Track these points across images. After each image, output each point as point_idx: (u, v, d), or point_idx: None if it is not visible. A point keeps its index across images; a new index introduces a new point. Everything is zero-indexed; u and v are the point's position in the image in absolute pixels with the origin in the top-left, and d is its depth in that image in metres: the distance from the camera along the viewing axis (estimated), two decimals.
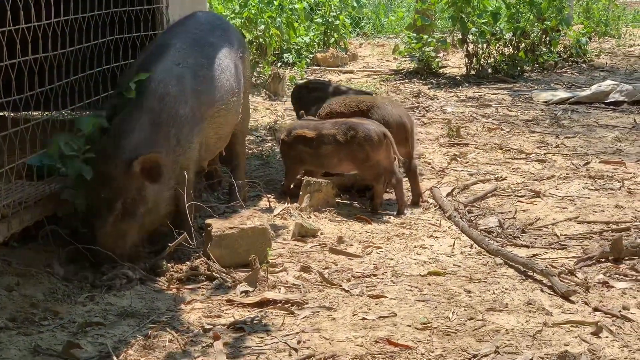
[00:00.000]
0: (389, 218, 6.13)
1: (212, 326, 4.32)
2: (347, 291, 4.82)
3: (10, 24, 4.71)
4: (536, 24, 11.94)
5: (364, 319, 4.43)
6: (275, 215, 6.01)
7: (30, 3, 4.89)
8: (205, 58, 5.67)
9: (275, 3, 11.99)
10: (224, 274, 4.95)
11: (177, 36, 5.73)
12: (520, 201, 6.52)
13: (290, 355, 4.03)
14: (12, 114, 4.97)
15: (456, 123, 8.89)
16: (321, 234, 5.72)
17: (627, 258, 5.27)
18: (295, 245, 5.53)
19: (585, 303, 4.63)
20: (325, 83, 7.72)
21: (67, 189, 5.09)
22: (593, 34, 13.85)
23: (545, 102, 9.98)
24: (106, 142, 5.06)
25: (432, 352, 4.06)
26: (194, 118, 5.39)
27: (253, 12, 11.46)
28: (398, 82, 11.37)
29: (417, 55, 11.97)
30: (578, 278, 4.98)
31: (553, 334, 4.25)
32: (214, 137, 5.70)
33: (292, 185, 6.50)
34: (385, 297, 4.73)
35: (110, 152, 4.97)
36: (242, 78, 6.03)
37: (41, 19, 5.04)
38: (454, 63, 12.62)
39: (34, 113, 5.60)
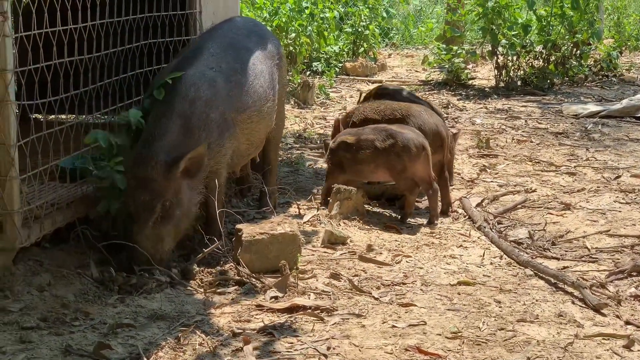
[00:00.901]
0: (419, 227, 6.11)
1: (241, 330, 4.32)
2: (376, 299, 4.81)
3: (47, 26, 4.75)
4: (567, 37, 11.89)
5: (393, 326, 4.42)
6: (305, 222, 6.01)
7: (67, 6, 4.92)
8: (239, 63, 5.68)
9: (306, 12, 12.03)
10: (253, 279, 4.95)
11: (212, 40, 5.75)
12: (551, 213, 6.49)
13: None
14: (46, 117, 5.00)
15: (485, 134, 8.87)
16: (351, 241, 5.71)
17: None
18: (325, 252, 5.53)
19: (617, 316, 4.60)
20: (395, 89, 7.63)
21: (102, 202, 5.12)
22: (624, 48, 13.78)
23: (575, 115, 9.94)
24: (141, 146, 5.08)
25: None
26: (225, 123, 5.40)
27: (284, 20, 11.50)
28: (427, 92, 11.36)
29: (447, 66, 11.96)
30: (609, 291, 4.95)
31: (584, 346, 4.22)
32: (245, 143, 5.71)
33: (329, 193, 6.35)
34: (415, 305, 4.72)
35: (148, 157, 4.99)
36: (277, 85, 6.04)
37: (77, 22, 5.07)
38: (483, 75, 12.60)
39: (68, 116, 5.63)
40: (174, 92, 5.24)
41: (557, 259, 5.58)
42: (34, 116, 4.92)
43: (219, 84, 5.44)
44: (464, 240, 5.89)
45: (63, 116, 6.17)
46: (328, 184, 6.43)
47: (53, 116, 5.37)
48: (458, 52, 11.79)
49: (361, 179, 6.43)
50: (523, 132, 9.15)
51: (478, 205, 6.59)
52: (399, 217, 6.28)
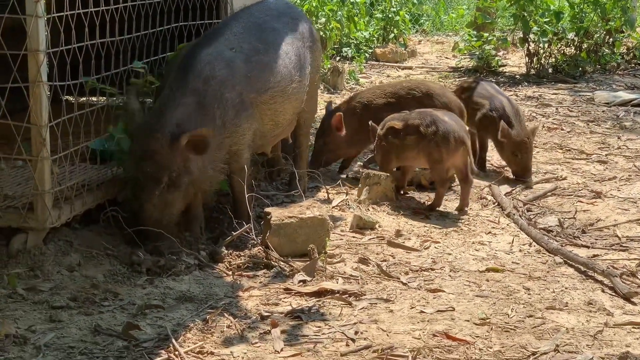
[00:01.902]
0: (448, 214, 6.09)
1: (269, 314, 4.33)
2: (404, 284, 4.80)
3: (79, 8, 4.76)
4: (600, 24, 11.77)
5: (421, 312, 4.41)
6: (333, 207, 6.01)
7: None
8: (262, 43, 5.66)
9: None
10: (282, 263, 4.96)
11: (237, 20, 5.74)
12: (581, 201, 6.45)
13: (347, 345, 4.03)
14: (78, 98, 5.02)
15: None
16: (379, 226, 5.70)
17: None
18: (353, 237, 5.53)
19: None
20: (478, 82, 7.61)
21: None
22: None
23: (607, 103, 9.85)
24: (150, 116, 5.08)
25: (491, 347, 4.03)
26: (242, 103, 5.38)
27: (314, 4, 11.46)
28: (457, 79, 11.30)
29: (477, 53, 11.89)
30: (639, 279, 4.91)
31: (614, 334, 4.20)
32: (269, 124, 5.69)
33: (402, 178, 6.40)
34: (443, 291, 4.70)
35: (156, 128, 4.99)
36: (306, 67, 6.01)
37: (109, 3, 5.08)
38: (514, 62, 12.52)
39: (99, 98, 5.66)
40: (189, 70, 5.24)
41: (587, 247, 5.55)
42: (65, 98, 4.94)
43: (237, 64, 5.42)
44: (493, 227, 5.87)
45: (94, 98, 6.20)
46: (386, 170, 6.29)
47: (84, 98, 5.39)
48: (489, 38, 11.71)
49: (408, 164, 6.34)
50: (554, 119, 9.08)
51: (508, 193, 6.56)
52: (428, 205, 6.20)
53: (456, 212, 6.10)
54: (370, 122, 6.36)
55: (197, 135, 4.98)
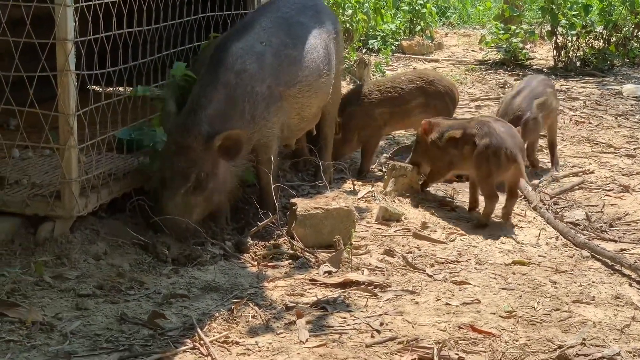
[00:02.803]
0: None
1: (294, 304, 4.33)
2: (430, 276, 4.79)
3: None
4: (629, 17, 11.68)
5: (447, 304, 4.39)
6: (359, 199, 6.00)
7: None
8: (290, 37, 5.66)
9: None
10: (307, 254, 4.95)
11: (265, 14, 5.74)
12: (609, 195, 6.41)
13: (372, 336, 4.02)
14: (105, 88, 5.03)
15: None
16: (405, 218, 5.69)
17: None
18: (379, 228, 5.51)
19: None
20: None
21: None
22: None
23: (636, 97, 9.78)
24: (184, 114, 5.09)
25: (517, 340, 4.01)
26: (272, 96, 5.39)
27: None
28: (484, 72, 11.26)
29: (504, 46, 11.83)
30: None
31: None
32: (296, 117, 5.70)
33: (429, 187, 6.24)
34: (469, 284, 4.68)
35: (191, 126, 5.00)
36: (332, 59, 6.01)
37: None
38: (542, 55, 12.45)
39: (126, 87, 5.67)
40: (221, 64, 5.25)
41: (615, 241, 5.51)
42: (92, 87, 4.95)
43: (267, 58, 5.43)
44: (520, 220, 5.84)
45: (121, 88, 6.21)
46: (431, 180, 6.16)
47: (111, 88, 5.40)
48: (516, 31, 11.65)
49: (462, 172, 6.20)
50: (581, 113, 9.02)
51: (535, 186, 6.52)
52: (474, 222, 5.82)
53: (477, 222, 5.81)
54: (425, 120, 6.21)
55: (231, 137, 4.99)
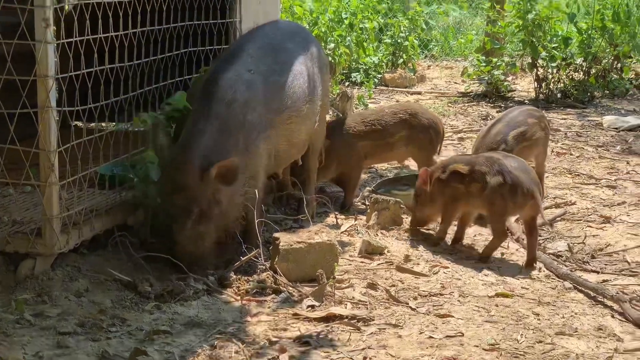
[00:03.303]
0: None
1: (278, 339, 4.32)
2: (413, 309, 4.78)
3: (88, 34, 4.78)
4: (608, 50, 11.79)
5: (430, 337, 4.39)
6: (342, 232, 6.00)
7: (108, 13, 4.95)
8: (278, 64, 5.69)
9: (346, 22, 12.04)
10: (290, 288, 4.95)
11: (253, 41, 5.76)
12: (590, 226, 6.43)
13: None
14: (87, 124, 5.03)
15: None
16: (388, 251, 5.69)
17: None
18: (362, 262, 5.51)
19: None
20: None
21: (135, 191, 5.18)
22: None
23: (616, 128, 9.84)
24: (177, 150, 5.11)
25: None
26: (262, 124, 5.41)
27: (323, 30, 11.50)
28: (466, 104, 11.31)
29: (486, 78, 11.90)
30: None
31: None
32: (285, 144, 5.71)
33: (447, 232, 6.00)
34: (452, 316, 4.68)
35: (184, 160, 5.02)
36: (318, 87, 6.03)
37: (119, 29, 5.10)
38: (523, 87, 12.53)
39: (108, 123, 5.68)
40: (211, 95, 5.27)
41: (597, 272, 5.53)
42: (74, 123, 4.95)
43: (257, 86, 5.46)
44: (502, 252, 5.84)
45: (103, 123, 6.22)
46: (446, 225, 5.95)
47: (93, 123, 5.40)
48: (498, 64, 11.73)
49: (472, 210, 5.99)
50: (563, 144, 9.07)
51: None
52: (479, 258, 5.72)
53: (525, 268, 5.60)
54: (422, 168, 6.12)
55: (225, 165, 5.01)
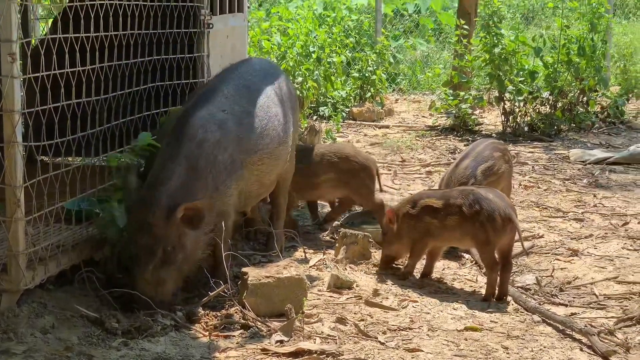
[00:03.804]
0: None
1: None
2: (382, 344, 4.77)
3: (55, 68, 4.76)
4: (574, 83, 11.89)
5: None
6: (311, 266, 5.99)
7: (75, 48, 4.94)
8: (253, 106, 5.69)
9: (313, 56, 12.07)
10: (259, 323, 4.92)
11: (227, 82, 5.76)
12: (558, 259, 6.46)
13: None
14: (53, 159, 5.00)
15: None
16: (357, 286, 5.68)
17: None
18: (331, 296, 5.50)
19: None
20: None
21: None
22: (631, 95, 13.74)
23: (582, 161, 9.91)
24: (145, 189, 5.09)
25: None
26: (233, 164, 5.41)
27: (291, 64, 11.53)
28: (434, 138, 11.36)
29: (454, 111, 11.96)
30: (618, 338, 4.91)
31: None
32: (255, 184, 5.70)
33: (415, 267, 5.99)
34: (422, 350, 4.68)
35: (150, 201, 4.99)
36: (291, 127, 6.05)
37: (86, 64, 5.09)
38: (490, 120, 12.60)
39: (75, 158, 5.65)
40: (182, 135, 5.25)
41: (565, 305, 5.55)
42: (40, 158, 4.92)
43: (229, 126, 5.45)
44: (471, 286, 5.85)
45: (70, 158, 6.17)
46: (415, 260, 5.95)
47: (60, 158, 5.37)
48: (465, 97, 11.79)
49: (449, 245, 6.06)
50: (530, 177, 9.12)
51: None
52: (482, 299, 5.63)
53: (495, 301, 5.60)
54: (389, 207, 6.18)
55: (192, 207, 4.98)
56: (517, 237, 5.64)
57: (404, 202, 6.04)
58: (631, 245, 6.76)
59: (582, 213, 7.74)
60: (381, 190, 6.99)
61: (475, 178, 6.52)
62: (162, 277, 5.00)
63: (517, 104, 11.51)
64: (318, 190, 6.83)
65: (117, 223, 5.12)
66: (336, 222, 7.00)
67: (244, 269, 5.27)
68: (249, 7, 8.89)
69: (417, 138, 11.26)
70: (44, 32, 7.46)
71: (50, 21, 7.91)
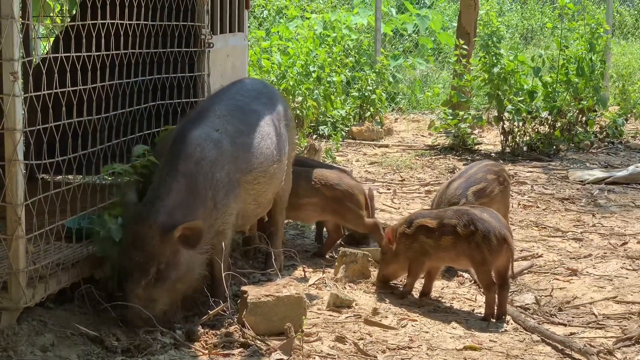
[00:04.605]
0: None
1: None
2: None
3: (57, 86, 4.79)
4: (572, 103, 11.93)
5: None
6: (310, 285, 6.00)
7: (77, 67, 4.96)
8: (245, 125, 5.72)
9: (313, 75, 12.11)
10: (258, 342, 4.92)
11: (220, 102, 5.79)
12: (557, 279, 6.47)
13: None
14: (54, 177, 5.01)
15: None
16: (356, 304, 5.68)
17: None
18: (330, 315, 5.50)
19: None
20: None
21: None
22: (629, 115, 13.78)
23: (581, 181, 9.93)
24: (142, 206, 5.10)
25: None
26: (230, 183, 5.42)
27: (291, 83, 11.57)
28: (433, 157, 11.39)
29: (453, 131, 12.00)
30: (617, 358, 4.92)
31: None
32: (252, 204, 5.72)
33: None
34: None
35: (147, 216, 5.00)
36: (285, 146, 6.07)
37: (87, 83, 5.12)
38: (490, 140, 12.64)
39: (76, 176, 5.66)
40: (180, 153, 5.27)
41: (564, 324, 5.55)
42: (41, 176, 4.93)
43: (225, 145, 5.47)
44: (470, 305, 5.86)
45: (70, 176, 6.19)
46: (413, 279, 5.97)
47: (61, 176, 5.39)
48: (464, 117, 11.83)
49: (445, 264, 6.06)
50: (529, 197, 9.14)
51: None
52: (482, 318, 5.65)
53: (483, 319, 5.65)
54: (388, 227, 6.18)
55: (190, 227, 5.00)
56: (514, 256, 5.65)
57: (401, 221, 6.06)
58: (630, 265, 6.77)
59: (581, 233, 7.76)
60: (372, 216, 6.93)
61: (466, 199, 6.49)
62: (153, 295, 5.00)
63: (516, 123, 11.55)
64: (301, 211, 6.77)
65: (113, 237, 5.12)
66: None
67: (244, 288, 5.27)
68: (249, 27, 8.94)
69: (417, 157, 11.28)
70: (45, 51, 7.49)
71: (52, 40, 7.94)
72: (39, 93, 4.67)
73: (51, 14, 7.63)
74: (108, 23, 5.33)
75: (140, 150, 5.52)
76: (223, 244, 5.37)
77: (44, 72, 4.67)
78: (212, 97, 6.05)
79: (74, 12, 7.38)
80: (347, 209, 6.74)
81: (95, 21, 5.20)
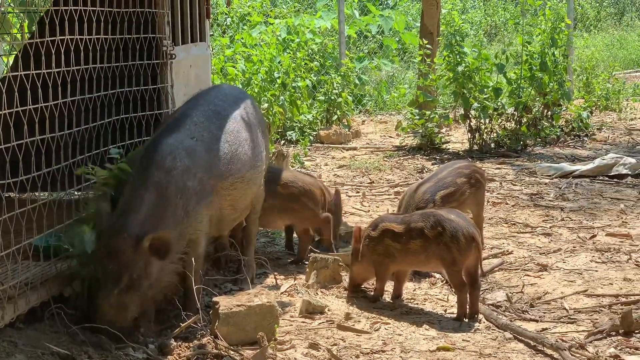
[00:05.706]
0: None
1: None
2: None
3: (17, 104, 4.75)
4: (537, 98, 12.01)
5: None
6: (282, 293, 5.99)
7: (37, 84, 4.93)
8: (222, 131, 5.71)
9: (278, 81, 12.10)
10: (232, 352, 4.91)
11: (197, 108, 5.78)
12: (528, 275, 6.50)
13: None
14: (18, 195, 4.98)
15: None
16: (329, 310, 5.69)
17: (637, 331, 5.23)
18: (303, 322, 5.50)
19: None
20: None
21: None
22: (594, 108, 13.89)
23: (549, 176, 9.99)
24: (114, 216, 5.08)
25: None
26: (203, 190, 5.41)
27: (256, 90, 11.56)
28: (401, 158, 11.41)
29: (420, 131, 12.02)
30: (589, 352, 4.94)
31: None
32: (229, 209, 5.72)
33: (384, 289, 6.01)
34: None
35: (118, 227, 4.99)
36: (262, 151, 6.08)
37: (48, 100, 5.08)
38: (457, 138, 12.68)
39: (41, 194, 5.62)
40: (151, 163, 5.26)
41: (536, 320, 5.58)
42: (6, 195, 4.90)
43: (198, 153, 5.47)
44: (442, 306, 5.88)
45: (36, 194, 6.14)
46: (382, 283, 5.97)
47: (25, 194, 5.34)
48: (431, 116, 11.86)
49: (415, 268, 6.07)
50: (498, 194, 9.18)
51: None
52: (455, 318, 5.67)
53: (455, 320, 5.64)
54: (355, 226, 6.20)
55: (159, 238, 4.99)
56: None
57: (369, 224, 6.06)
58: (599, 258, 6.82)
59: (550, 227, 7.80)
60: (328, 211, 6.91)
61: (434, 203, 6.45)
62: (124, 303, 5.00)
63: (482, 120, 11.60)
64: (264, 217, 6.67)
65: (86, 249, 5.11)
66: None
67: (215, 298, 5.27)
68: (211, 35, 8.91)
69: (385, 159, 11.30)
70: (6, 70, 7.44)
71: (12, 57, 7.88)
72: (1, 112, 4.63)
73: (10, 31, 7.58)
74: (67, 39, 5.30)
75: (115, 153, 5.51)
76: (196, 253, 5.36)
77: (4, 91, 4.63)
78: (190, 102, 5.99)
79: (33, 28, 7.34)
80: (304, 206, 6.74)
81: (54, 37, 5.17)
